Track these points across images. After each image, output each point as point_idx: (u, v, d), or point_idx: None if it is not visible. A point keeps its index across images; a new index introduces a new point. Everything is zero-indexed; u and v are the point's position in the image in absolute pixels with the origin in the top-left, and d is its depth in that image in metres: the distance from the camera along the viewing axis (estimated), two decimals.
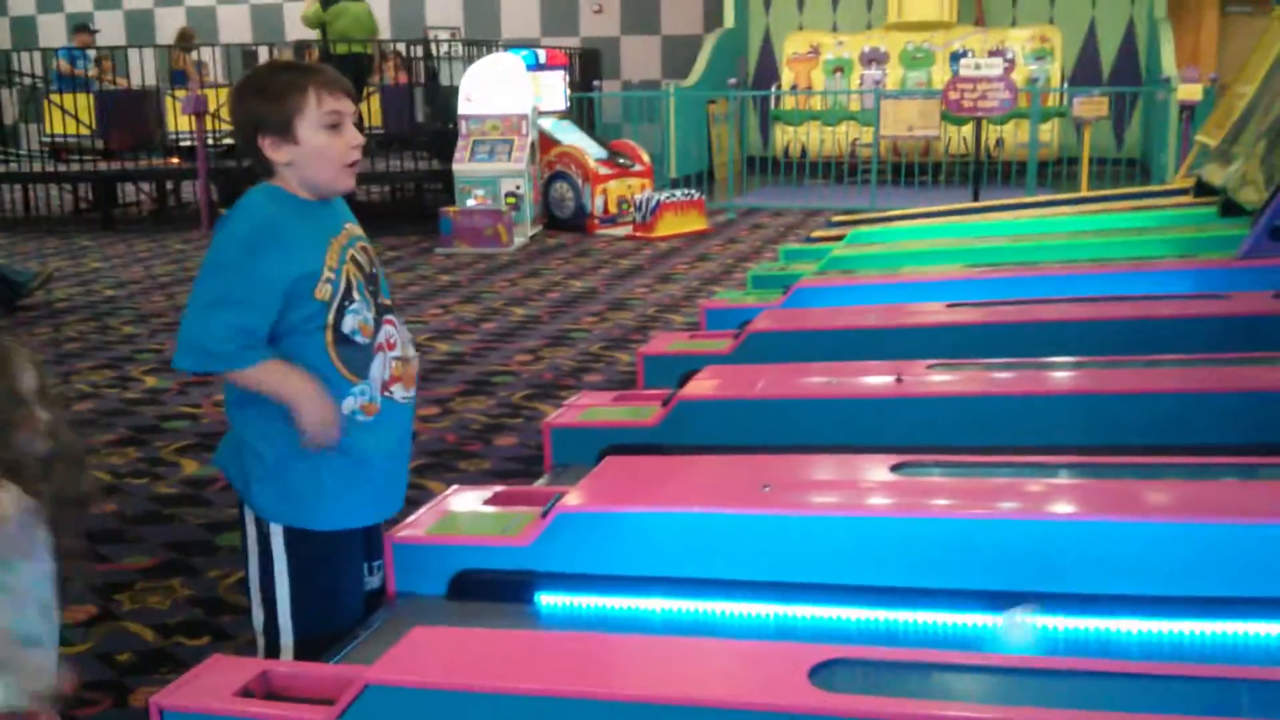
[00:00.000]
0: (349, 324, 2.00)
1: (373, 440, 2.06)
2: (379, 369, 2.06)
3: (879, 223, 6.29)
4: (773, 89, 13.56)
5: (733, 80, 12.23)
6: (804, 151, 12.82)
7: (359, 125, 2.11)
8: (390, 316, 2.11)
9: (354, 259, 2.04)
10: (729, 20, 14.40)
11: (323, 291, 1.98)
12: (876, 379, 2.82)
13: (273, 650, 2.07)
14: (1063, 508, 2.01)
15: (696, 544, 1.98)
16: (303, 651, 2.04)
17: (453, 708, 1.54)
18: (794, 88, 13.52)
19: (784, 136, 13.23)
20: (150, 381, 5.43)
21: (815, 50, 13.67)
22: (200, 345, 1.97)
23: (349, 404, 2.02)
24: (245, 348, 1.95)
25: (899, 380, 2.70)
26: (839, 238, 5.59)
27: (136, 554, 3.45)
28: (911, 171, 12.29)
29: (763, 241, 9.60)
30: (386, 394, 2.07)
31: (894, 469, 2.12)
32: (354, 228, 2.10)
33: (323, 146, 1.98)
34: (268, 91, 1.99)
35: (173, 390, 5.27)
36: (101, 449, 4.43)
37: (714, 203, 11.35)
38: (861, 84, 13.14)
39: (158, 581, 3.25)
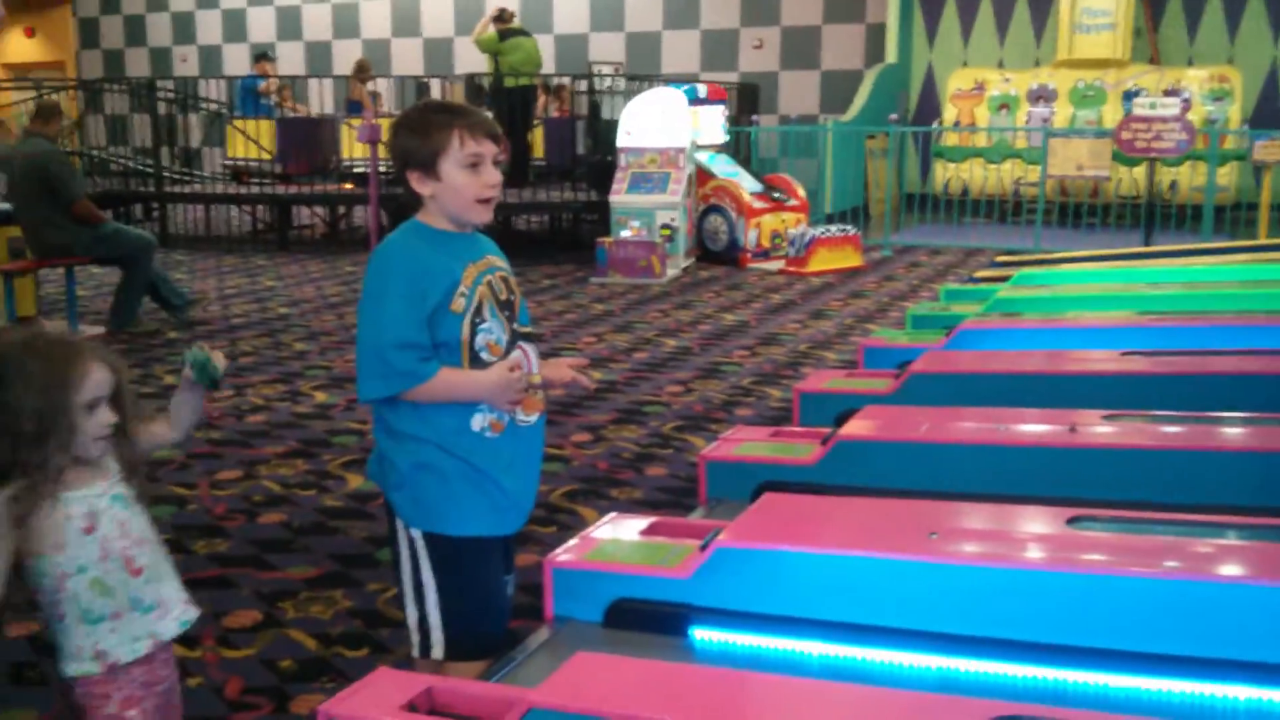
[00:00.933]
0: (480, 341, 2.12)
1: (498, 456, 2.17)
2: None
3: (1046, 264, 6.10)
4: (935, 124, 13.34)
5: (894, 115, 12.09)
6: (965, 189, 12.56)
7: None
8: (524, 344, 2.21)
9: (490, 284, 2.16)
10: (891, 56, 14.27)
11: (457, 305, 2.10)
12: (1046, 427, 2.72)
13: (426, 646, 2.19)
14: (1244, 570, 1.89)
15: (858, 588, 1.94)
16: (455, 650, 2.16)
17: None
18: (957, 124, 13.28)
19: (944, 173, 13.00)
20: (320, 397, 5.66)
21: (980, 86, 13.40)
22: (380, 371, 2.09)
23: (477, 420, 2.13)
24: (421, 361, 2.08)
25: (1073, 430, 2.60)
26: (1003, 279, 5.44)
27: (301, 564, 3.58)
28: (1079, 212, 11.92)
29: (920, 280, 9.43)
30: (512, 415, 2.17)
31: (1070, 523, 2.04)
32: (495, 259, 2.23)
33: (460, 184, 2.12)
34: (418, 129, 2.14)
35: (340, 406, 5.47)
36: (272, 460, 4.63)
37: (870, 239, 11.22)
38: (1028, 121, 12.82)
39: (320, 591, 3.37)
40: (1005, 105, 13.21)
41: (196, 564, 3.55)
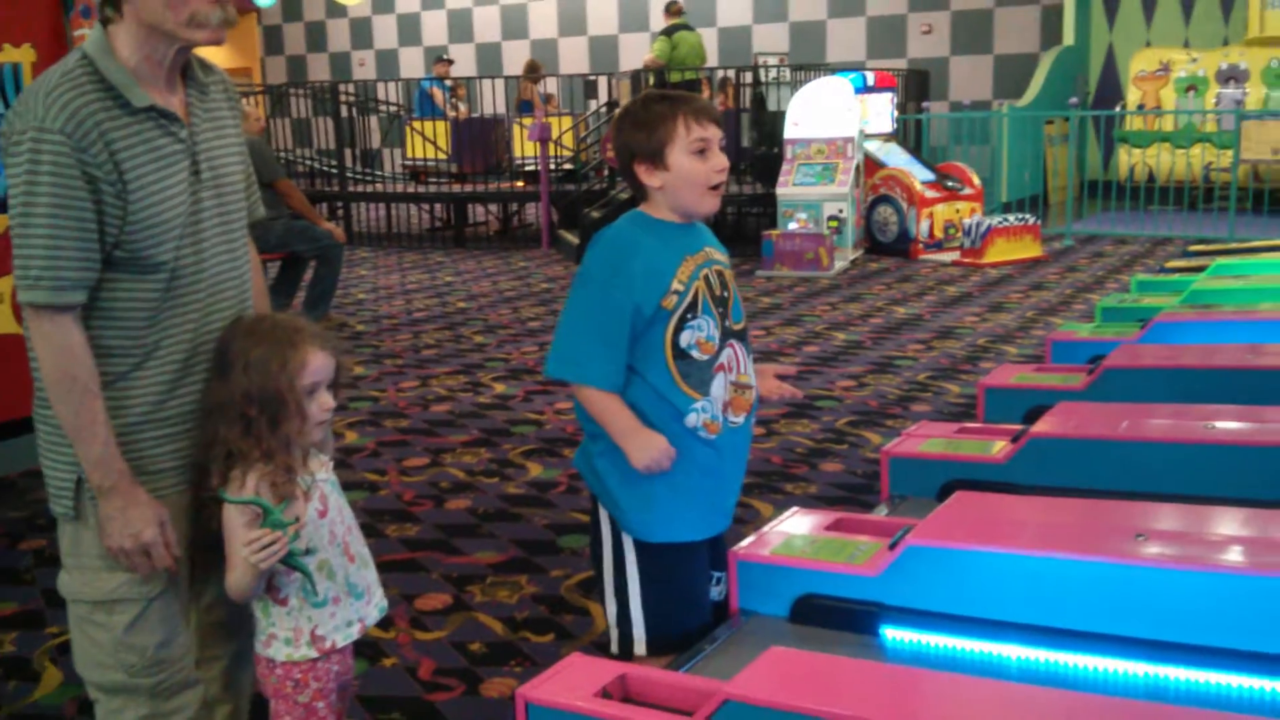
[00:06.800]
0: (686, 338, 2.08)
1: (713, 458, 2.14)
2: (719, 388, 2.12)
3: (1243, 254, 5.77)
4: (1118, 108, 12.77)
5: (1074, 99, 11.63)
6: (1151, 175, 11.98)
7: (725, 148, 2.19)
8: (735, 341, 2.16)
9: (706, 278, 2.12)
10: (1068, 38, 13.72)
11: (669, 301, 2.07)
12: (1254, 424, 2.58)
13: (626, 642, 2.18)
14: None
15: (1059, 591, 1.88)
16: (655, 648, 2.14)
17: None
18: (1141, 107, 12.67)
19: (1129, 159, 12.42)
20: (499, 388, 5.82)
21: (1165, 67, 12.75)
22: (562, 353, 2.11)
23: (692, 420, 2.10)
24: (598, 364, 2.07)
25: None
26: (1198, 269, 5.17)
27: (487, 550, 3.70)
28: (1275, 199, 11.21)
29: (1105, 271, 9.05)
30: (725, 416, 2.13)
31: None
32: (715, 252, 2.19)
33: (690, 171, 2.09)
34: (642, 122, 2.11)
35: (519, 397, 5.62)
36: (457, 448, 4.80)
37: (1050, 229, 10.84)
38: (1218, 103, 12.13)
39: (505, 577, 3.47)
40: (1192, 87, 12.53)
41: (389, 547, 3.71)
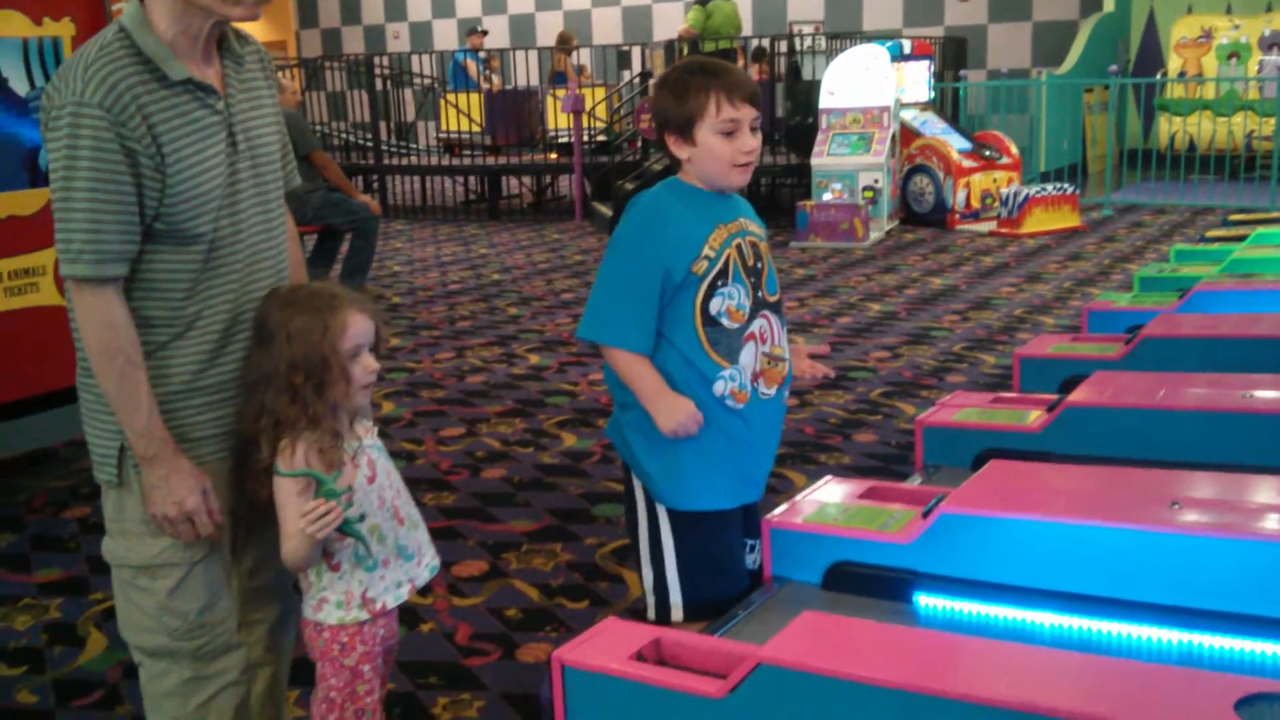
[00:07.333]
0: (716, 305, 2.07)
1: (740, 427, 2.14)
2: (749, 358, 2.12)
3: None
4: (1159, 76, 12.56)
5: (1114, 67, 11.45)
6: (1191, 144, 11.79)
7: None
8: (769, 313, 2.16)
9: (739, 247, 2.12)
10: (1108, 4, 13.49)
11: (699, 266, 2.06)
12: None
13: (663, 608, 2.20)
14: None
15: (1093, 559, 1.88)
16: (692, 614, 2.16)
17: (841, 694, 1.55)
18: (1182, 74, 12.45)
19: (1169, 128, 12.23)
20: (533, 359, 5.85)
21: (1208, 34, 12.52)
22: (592, 316, 2.12)
23: (719, 387, 2.10)
24: (627, 326, 2.07)
25: None
26: (1239, 238, 5.09)
27: (522, 518, 3.73)
28: None
29: (1144, 241, 8.94)
30: (754, 385, 2.13)
31: None
32: (750, 224, 2.19)
33: (714, 149, 2.08)
34: (676, 92, 2.10)
35: (553, 368, 5.65)
36: (492, 419, 4.83)
37: (1088, 198, 10.71)
38: (1261, 70, 11.91)
39: (541, 545, 3.51)
40: (1235, 54, 12.30)
41: (426, 515, 3.69)
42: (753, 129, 2.10)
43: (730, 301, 2.09)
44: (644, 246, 2.07)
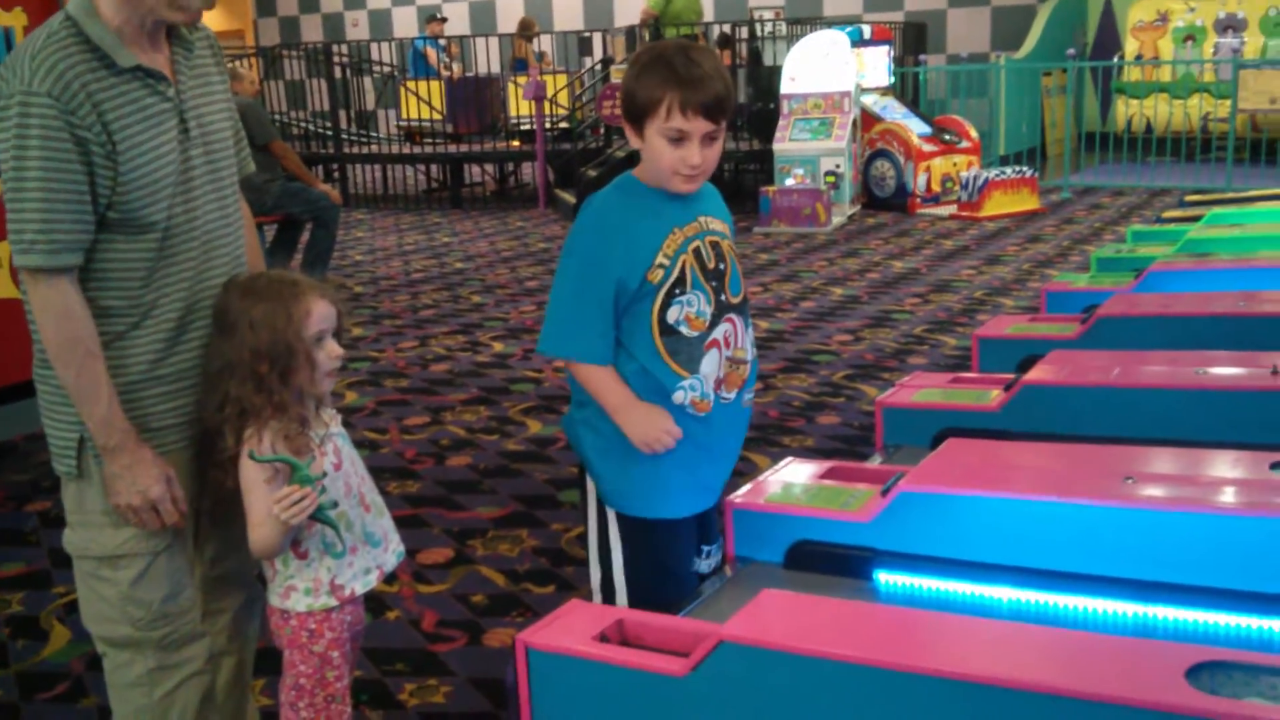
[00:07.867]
0: (673, 313, 1.98)
1: (701, 437, 2.06)
2: (711, 365, 2.02)
3: (1239, 204, 5.76)
4: (1116, 59, 12.69)
5: (1071, 51, 11.55)
6: (1148, 127, 11.92)
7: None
8: (733, 315, 2.05)
9: (696, 251, 2.00)
10: None
11: (654, 275, 1.97)
12: (1245, 370, 2.60)
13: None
14: None
15: (1048, 534, 1.91)
16: None
17: (802, 670, 1.57)
18: (1139, 58, 12.59)
19: (1126, 110, 12.35)
20: (498, 347, 5.85)
21: (1164, 17, 12.67)
22: (551, 331, 2.04)
23: (679, 397, 2.01)
24: (587, 339, 1.99)
25: (1275, 372, 2.48)
26: (1194, 219, 5.17)
27: (488, 504, 3.73)
28: (1273, 149, 11.17)
29: (1102, 223, 9.05)
30: (717, 392, 2.04)
31: (1274, 467, 1.96)
32: (712, 221, 2.06)
33: (659, 152, 1.95)
34: (638, 78, 1.95)
35: (517, 355, 5.65)
36: (456, 406, 4.83)
37: (1047, 181, 10.82)
38: (1216, 53, 12.06)
39: (507, 531, 3.51)
40: (1191, 36, 12.45)
41: (391, 504, 3.67)
42: (710, 138, 1.95)
43: (689, 309, 1.99)
44: (596, 255, 1.97)
